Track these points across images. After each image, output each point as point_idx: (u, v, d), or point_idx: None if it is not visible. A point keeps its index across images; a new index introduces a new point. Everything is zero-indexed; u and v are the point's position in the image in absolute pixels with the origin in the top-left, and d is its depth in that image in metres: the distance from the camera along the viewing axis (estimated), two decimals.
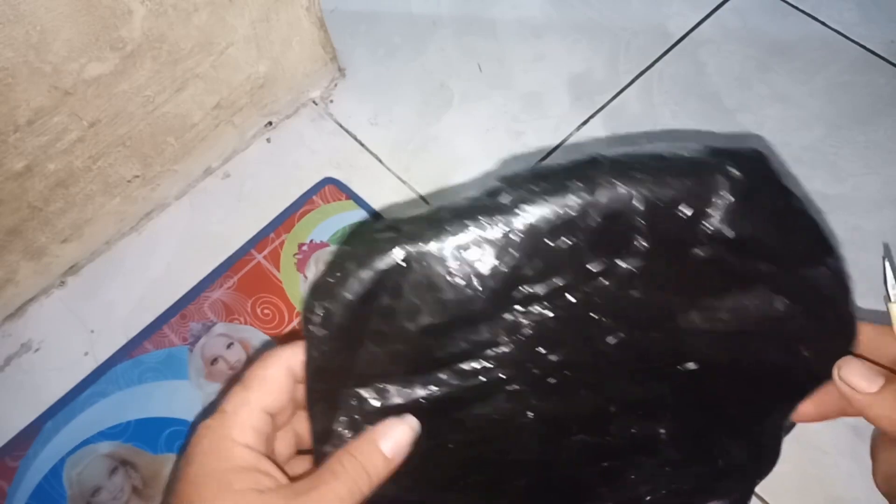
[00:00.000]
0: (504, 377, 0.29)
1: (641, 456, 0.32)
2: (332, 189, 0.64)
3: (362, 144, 0.67)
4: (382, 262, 0.26)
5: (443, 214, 0.26)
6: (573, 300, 0.27)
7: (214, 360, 0.57)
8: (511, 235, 0.26)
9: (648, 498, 0.32)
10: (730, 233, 0.26)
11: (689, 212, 0.26)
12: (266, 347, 0.57)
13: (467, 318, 0.27)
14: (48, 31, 0.45)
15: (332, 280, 0.26)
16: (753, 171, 0.26)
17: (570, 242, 0.26)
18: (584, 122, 0.67)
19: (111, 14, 0.47)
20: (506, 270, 0.26)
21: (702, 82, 0.68)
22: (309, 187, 0.64)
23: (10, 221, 0.54)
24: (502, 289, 0.27)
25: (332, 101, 0.70)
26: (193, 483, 0.25)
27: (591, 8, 0.73)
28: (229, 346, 0.57)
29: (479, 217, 0.26)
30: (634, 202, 0.25)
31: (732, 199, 0.26)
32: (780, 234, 0.27)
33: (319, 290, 0.26)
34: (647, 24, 0.72)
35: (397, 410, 0.28)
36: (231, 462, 0.25)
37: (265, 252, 0.61)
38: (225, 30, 0.55)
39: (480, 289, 0.26)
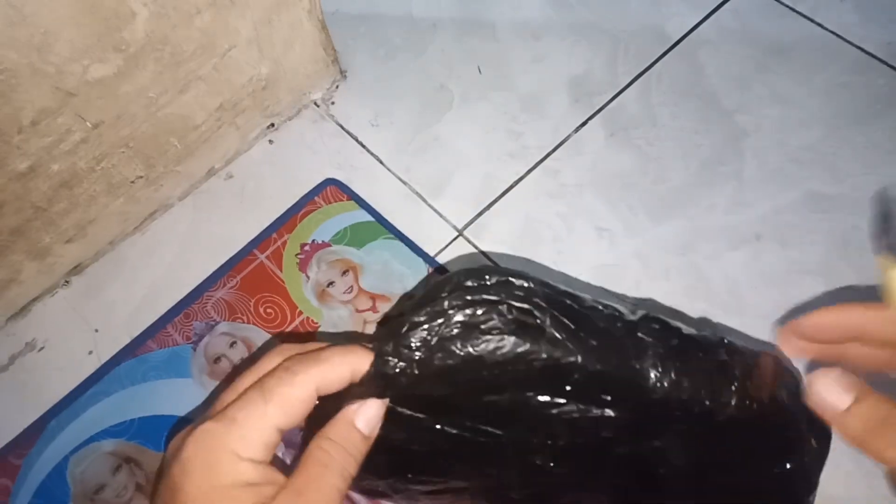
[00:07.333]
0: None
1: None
2: (333, 190, 0.64)
3: (363, 145, 0.67)
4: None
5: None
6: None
7: (217, 359, 0.57)
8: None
9: None
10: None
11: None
12: (268, 346, 0.58)
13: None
14: (51, 32, 0.45)
15: (436, 318, 0.28)
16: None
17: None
18: (583, 123, 0.67)
19: (114, 16, 0.48)
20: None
21: (700, 83, 0.68)
22: (311, 188, 0.64)
23: (14, 221, 0.54)
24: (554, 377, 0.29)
25: (333, 103, 0.70)
26: (196, 499, 0.23)
27: (589, 9, 0.74)
28: (232, 344, 0.57)
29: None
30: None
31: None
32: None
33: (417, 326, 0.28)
34: (646, 26, 0.72)
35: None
36: (235, 477, 0.24)
37: (268, 252, 0.61)
38: (227, 32, 0.56)
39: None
